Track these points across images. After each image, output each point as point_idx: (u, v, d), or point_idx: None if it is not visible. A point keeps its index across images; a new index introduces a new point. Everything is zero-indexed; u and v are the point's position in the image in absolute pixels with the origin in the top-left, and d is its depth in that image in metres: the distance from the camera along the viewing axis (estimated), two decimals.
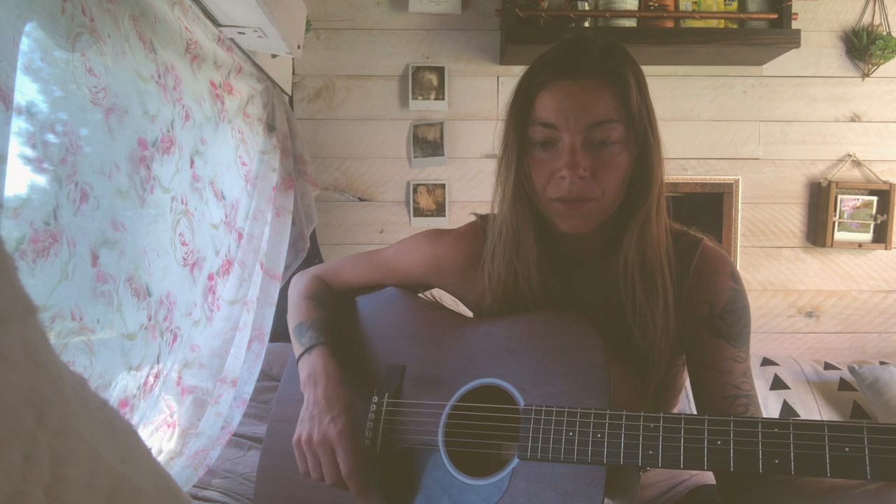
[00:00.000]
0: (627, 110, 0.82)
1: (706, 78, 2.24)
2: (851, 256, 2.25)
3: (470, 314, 1.06)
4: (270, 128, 1.79)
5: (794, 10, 2.01)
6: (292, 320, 1.07)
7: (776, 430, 0.67)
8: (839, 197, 2.18)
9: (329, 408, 0.91)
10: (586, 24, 2.07)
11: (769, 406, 1.96)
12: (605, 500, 0.72)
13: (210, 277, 1.38)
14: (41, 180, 0.80)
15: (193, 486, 1.35)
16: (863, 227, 2.20)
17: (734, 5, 2.09)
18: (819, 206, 2.23)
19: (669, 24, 2.05)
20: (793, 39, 2.01)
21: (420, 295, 1.08)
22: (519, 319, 0.90)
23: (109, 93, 0.94)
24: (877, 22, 2.19)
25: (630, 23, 2.05)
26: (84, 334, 0.89)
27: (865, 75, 2.21)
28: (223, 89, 1.43)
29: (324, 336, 1.01)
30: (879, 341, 2.27)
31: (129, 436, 0.45)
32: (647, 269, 0.85)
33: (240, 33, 1.51)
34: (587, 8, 2.07)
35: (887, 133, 2.23)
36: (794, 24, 2.02)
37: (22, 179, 0.77)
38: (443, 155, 2.23)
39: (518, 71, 0.99)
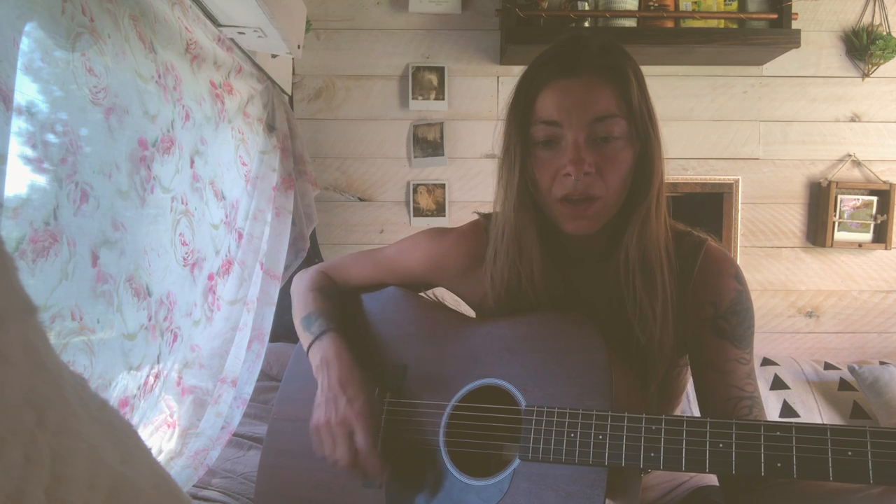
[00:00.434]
0: (629, 105, 0.82)
1: (706, 78, 2.24)
2: (851, 256, 2.25)
3: (472, 313, 1.06)
4: (270, 128, 1.79)
5: (794, 10, 2.01)
6: (299, 312, 1.06)
7: (778, 433, 0.66)
8: (839, 197, 2.18)
9: (344, 390, 0.91)
10: (586, 24, 2.07)
11: (769, 406, 1.96)
12: (606, 501, 0.72)
13: (210, 277, 1.38)
14: (41, 180, 0.80)
15: (193, 486, 1.35)
16: (863, 227, 2.20)
17: (734, 5, 2.09)
18: (819, 206, 2.23)
19: (669, 24, 2.05)
20: (793, 39, 2.01)
21: (422, 294, 1.08)
22: (521, 320, 0.90)
23: (109, 93, 0.94)
24: (877, 22, 2.19)
25: (630, 23, 2.05)
26: (84, 334, 0.89)
27: (865, 75, 2.21)
28: (223, 89, 1.43)
29: (333, 323, 1.01)
30: (879, 341, 2.27)
31: (129, 436, 0.45)
32: (648, 264, 0.85)
33: (240, 33, 1.51)
34: (587, 8, 2.07)
35: (887, 133, 2.23)
36: (794, 24, 2.02)
37: (22, 179, 0.77)
38: (443, 155, 2.23)
39: (518, 71, 1.00)
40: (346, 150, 2.25)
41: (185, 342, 1.27)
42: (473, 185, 2.25)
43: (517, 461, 0.79)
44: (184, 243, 1.22)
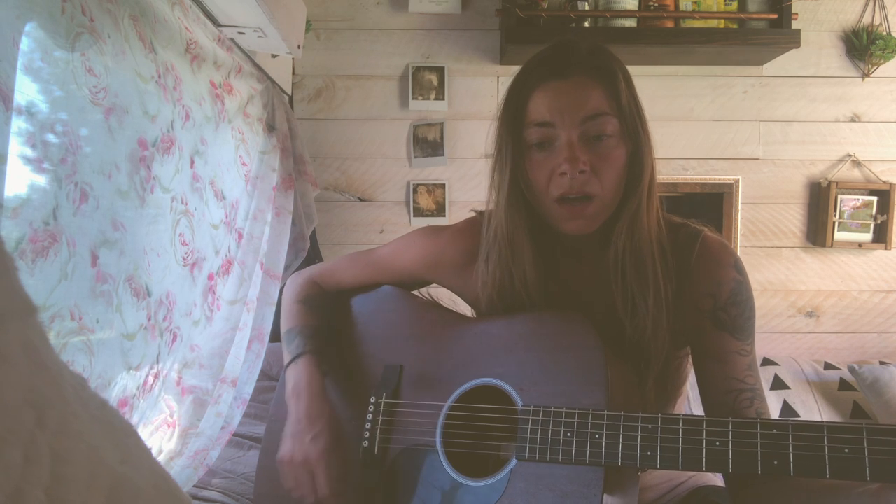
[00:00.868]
0: (618, 103, 0.84)
1: (706, 78, 2.24)
2: (851, 256, 2.25)
3: (468, 311, 1.06)
4: (270, 128, 1.79)
5: (794, 10, 2.01)
6: (283, 325, 1.08)
7: (775, 431, 0.67)
8: (839, 197, 2.18)
9: (311, 425, 0.91)
10: (586, 24, 2.07)
11: (769, 406, 1.96)
12: (604, 500, 0.72)
13: (210, 277, 1.38)
14: (41, 180, 0.80)
15: (193, 486, 1.36)
16: (863, 227, 2.20)
17: (734, 5, 2.09)
18: (819, 206, 2.23)
19: (669, 24, 2.05)
20: (793, 39, 2.01)
21: (417, 293, 1.08)
22: (517, 319, 0.90)
23: (109, 93, 0.94)
24: (877, 22, 2.19)
25: (630, 23, 2.05)
26: (83, 334, 0.89)
27: (865, 75, 2.21)
28: (223, 89, 1.43)
29: (311, 344, 1.01)
30: (879, 341, 2.27)
31: (129, 436, 0.45)
32: (639, 257, 0.86)
33: (240, 33, 1.51)
34: (587, 8, 2.06)
35: (887, 133, 2.23)
36: (794, 24, 2.02)
37: (22, 179, 0.78)
38: (443, 155, 2.23)
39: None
40: (346, 150, 2.25)
41: (185, 342, 1.27)
42: (473, 185, 2.25)
43: (514, 461, 0.79)
44: (184, 243, 1.22)
